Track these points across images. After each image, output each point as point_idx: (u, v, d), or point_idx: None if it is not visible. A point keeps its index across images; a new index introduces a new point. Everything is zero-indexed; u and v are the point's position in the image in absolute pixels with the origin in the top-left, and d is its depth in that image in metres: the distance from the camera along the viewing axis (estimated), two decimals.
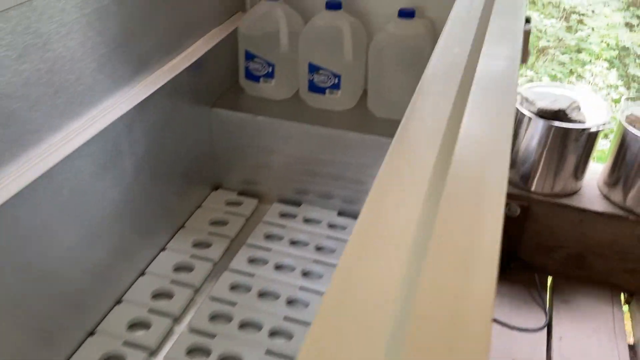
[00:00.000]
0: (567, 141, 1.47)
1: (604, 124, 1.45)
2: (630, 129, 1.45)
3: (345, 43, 1.29)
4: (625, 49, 3.70)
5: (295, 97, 1.42)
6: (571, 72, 3.53)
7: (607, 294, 1.54)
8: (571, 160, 1.49)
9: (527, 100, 1.52)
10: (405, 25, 1.25)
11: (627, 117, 1.50)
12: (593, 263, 1.57)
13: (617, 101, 3.18)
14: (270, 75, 1.38)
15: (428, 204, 0.37)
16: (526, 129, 1.50)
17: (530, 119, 1.47)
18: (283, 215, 1.38)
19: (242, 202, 1.43)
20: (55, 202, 0.94)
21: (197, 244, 1.29)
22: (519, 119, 1.52)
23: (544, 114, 1.47)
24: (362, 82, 1.40)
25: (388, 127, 1.22)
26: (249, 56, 1.37)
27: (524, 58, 0.68)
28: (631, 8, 3.96)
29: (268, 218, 1.36)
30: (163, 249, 1.27)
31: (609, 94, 3.21)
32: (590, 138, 1.47)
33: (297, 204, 1.42)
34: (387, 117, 1.33)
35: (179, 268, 1.22)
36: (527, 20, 0.66)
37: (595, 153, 1.53)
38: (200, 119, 1.37)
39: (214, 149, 1.43)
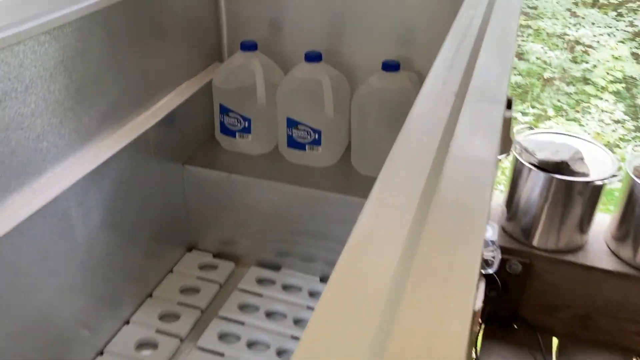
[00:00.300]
0: (571, 194, 1.36)
1: (609, 177, 1.34)
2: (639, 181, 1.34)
3: (326, 97, 1.19)
4: (632, 78, 3.60)
5: (275, 152, 1.33)
6: (577, 103, 3.43)
7: (617, 358, 1.41)
8: (575, 214, 1.38)
9: (526, 150, 1.42)
10: (390, 78, 1.16)
11: (635, 169, 1.39)
12: (602, 324, 1.44)
13: (623, 138, 3.07)
14: (246, 130, 1.29)
15: (403, 261, 0.37)
16: (526, 181, 1.39)
17: (530, 170, 1.36)
18: (260, 281, 1.27)
19: (217, 266, 1.33)
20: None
21: (165, 316, 1.18)
22: (518, 169, 1.42)
23: (545, 166, 1.36)
24: (346, 136, 1.30)
25: (371, 186, 1.12)
26: (224, 110, 1.28)
27: (505, 148, 0.58)
28: (637, 38, 3.87)
29: (244, 285, 1.26)
30: (127, 322, 1.16)
31: (615, 130, 3.10)
32: (595, 191, 1.36)
33: (277, 267, 1.31)
34: (372, 174, 1.22)
35: (142, 345, 1.12)
36: (509, 105, 0.56)
37: (600, 205, 1.42)
38: (171, 177, 1.28)
39: (188, 208, 1.34)
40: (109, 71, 1.07)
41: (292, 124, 1.23)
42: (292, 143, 1.26)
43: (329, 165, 1.28)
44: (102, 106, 1.07)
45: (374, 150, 1.21)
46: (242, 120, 1.27)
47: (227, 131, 1.31)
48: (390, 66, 1.15)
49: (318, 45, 1.27)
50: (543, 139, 1.47)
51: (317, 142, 1.24)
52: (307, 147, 1.25)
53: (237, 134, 1.30)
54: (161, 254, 1.29)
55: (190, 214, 1.35)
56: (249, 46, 1.25)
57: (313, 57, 1.21)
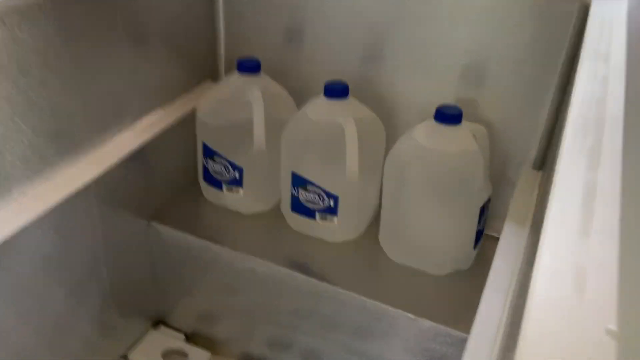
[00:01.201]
0: None
1: None
2: None
3: (349, 150, 0.83)
4: None
5: (275, 212, 0.97)
6: None
7: None
8: None
9: None
10: (446, 134, 0.79)
11: None
12: None
13: None
14: (236, 183, 0.93)
15: None
16: None
17: None
18: None
19: (188, 356, 0.98)
20: None
21: None
22: None
23: None
24: (374, 204, 0.94)
25: (406, 285, 0.77)
26: (209, 152, 0.93)
27: None
28: None
29: None
30: None
31: None
32: None
33: None
34: (406, 263, 0.86)
35: None
36: None
37: None
38: (133, 235, 0.93)
39: (155, 274, 1.00)
40: (51, 85, 0.74)
41: (299, 182, 0.87)
42: (298, 207, 0.90)
43: (347, 241, 0.92)
44: (35, 137, 0.73)
45: (412, 231, 0.84)
46: (231, 169, 0.92)
47: (211, 180, 0.96)
48: (448, 116, 0.78)
49: (346, 73, 0.90)
50: None
51: (332, 211, 0.88)
52: (317, 215, 0.89)
53: (224, 186, 0.95)
54: (118, 328, 0.95)
55: (158, 281, 1.01)
56: (249, 67, 0.90)
57: (336, 90, 0.84)
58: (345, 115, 0.84)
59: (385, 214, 0.87)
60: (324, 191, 0.86)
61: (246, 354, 1.00)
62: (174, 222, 0.95)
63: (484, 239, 0.91)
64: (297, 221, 0.92)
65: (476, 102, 0.86)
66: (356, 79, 0.92)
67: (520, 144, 0.86)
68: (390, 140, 0.89)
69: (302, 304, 0.88)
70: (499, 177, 0.89)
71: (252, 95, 0.88)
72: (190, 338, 1.05)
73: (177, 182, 1.01)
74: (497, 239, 0.95)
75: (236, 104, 0.90)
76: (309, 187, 0.87)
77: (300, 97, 0.96)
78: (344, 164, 0.84)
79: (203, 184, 0.98)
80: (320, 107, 0.85)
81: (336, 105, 0.84)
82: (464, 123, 0.80)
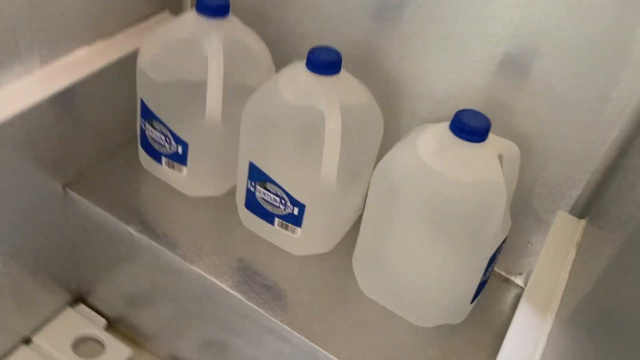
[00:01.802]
0: None
1: None
2: None
3: (328, 150, 0.60)
4: None
5: (228, 200, 0.75)
6: None
7: None
8: None
9: None
10: (462, 153, 0.55)
11: None
12: None
13: None
14: (179, 159, 0.71)
15: None
16: None
17: None
18: None
19: (105, 347, 0.80)
20: None
21: None
22: None
23: None
24: (355, 216, 0.72)
25: (376, 333, 0.64)
26: (147, 114, 0.70)
27: None
28: None
29: None
30: None
31: None
32: None
33: None
34: (380, 302, 0.65)
35: None
36: None
37: None
38: (48, 196, 0.73)
39: (73, 244, 0.80)
40: None
41: (257, 176, 0.65)
42: (254, 206, 0.68)
43: (311, 255, 0.71)
44: None
45: (396, 268, 0.63)
46: (173, 142, 0.69)
47: (149, 149, 0.73)
48: (470, 131, 0.54)
49: (345, 33, 0.66)
50: None
51: (294, 221, 0.66)
52: (276, 220, 0.67)
53: (163, 160, 0.72)
54: (24, 302, 0.77)
55: (77, 253, 0.81)
56: (212, 7, 0.65)
57: (323, 64, 0.60)
58: (330, 99, 0.60)
59: (365, 235, 0.66)
60: (288, 195, 0.64)
61: (174, 356, 0.82)
62: (96, 192, 0.73)
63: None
64: (252, 221, 0.70)
65: (512, 107, 0.62)
66: (356, 44, 0.67)
67: (562, 174, 0.63)
68: (390, 138, 0.66)
69: (242, 325, 0.68)
70: (522, 207, 0.66)
71: (210, 48, 0.64)
72: (112, 325, 0.87)
73: (110, 140, 0.78)
74: (505, 279, 0.75)
75: (189, 56, 0.66)
76: (270, 186, 0.65)
77: (283, 56, 0.72)
78: (318, 164, 0.61)
79: (141, 149, 0.75)
80: (298, 82, 0.61)
81: (321, 82, 0.61)
82: (491, 136, 0.56)
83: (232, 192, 0.75)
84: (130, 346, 0.84)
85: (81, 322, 0.85)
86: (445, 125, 0.57)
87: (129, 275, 0.78)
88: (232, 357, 0.74)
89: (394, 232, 0.61)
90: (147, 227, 0.71)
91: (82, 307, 0.87)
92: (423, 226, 0.58)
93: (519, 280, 0.72)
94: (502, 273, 0.73)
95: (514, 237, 0.68)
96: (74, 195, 0.73)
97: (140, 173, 0.77)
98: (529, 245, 0.69)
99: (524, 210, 0.66)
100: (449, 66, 0.63)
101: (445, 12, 0.62)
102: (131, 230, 0.70)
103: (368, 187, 0.64)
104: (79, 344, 0.83)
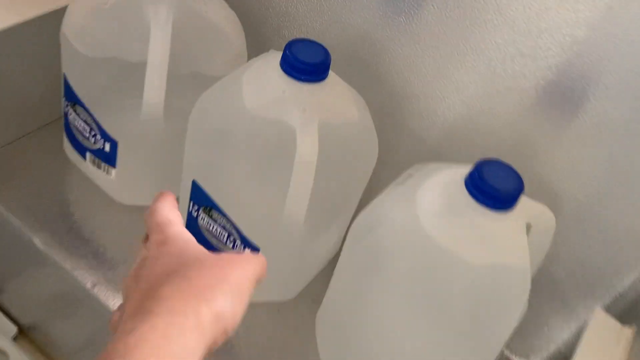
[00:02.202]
0: None
1: None
2: None
3: (297, 183, 0.44)
4: None
5: None
6: None
7: None
8: None
9: None
10: (479, 223, 0.39)
11: None
12: None
13: None
14: (106, 159, 0.54)
15: None
16: None
17: None
18: None
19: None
20: None
21: None
22: None
23: None
24: (325, 260, 0.56)
25: None
26: (70, 95, 0.53)
27: None
28: None
29: None
30: None
31: None
32: None
33: None
34: None
35: None
36: None
37: None
38: None
39: None
40: None
41: (201, 200, 0.49)
42: (196, 235, 0.52)
43: (268, 302, 0.55)
44: None
45: (372, 346, 0.47)
46: (99, 136, 0.53)
47: (73, 139, 0.56)
48: (492, 195, 0.38)
49: (344, 29, 0.48)
50: None
51: None
52: None
53: (87, 156, 0.56)
54: None
55: None
56: None
57: (302, 66, 0.43)
58: (307, 116, 0.43)
59: (334, 296, 0.50)
60: (238, 232, 0.48)
61: None
62: (2, 182, 0.57)
63: None
64: None
65: (552, 155, 0.46)
66: (357, 37, 0.50)
67: (608, 256, 0.46)
68: (383, 168, 0.50)
69: None
70: (545, 284, 0.51)
71: (155, 18, 0.47)
72: (24, 333, 0.72)
73: (30, 117, 0.61)
74: (506, 357, 0.59)
75: (128, 27, 0.48)
76: (215, 215, 0.49)
77: (263, 41, 0.55)
78: (282, 197, 0.45)
79: (66, 141, 0.59)
80: (268, 85, 0.44)
81: (298, 91, 0.43)
82: (524, 202, 0.40)
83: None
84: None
85: None
86: (459, 177, 0.40)
87: (40, 282, 0.63)
88: None
89: (373, 305, 0.45)
90: (58, 240, 0.55)
91: None
92: (413, 307, 0.42)
93: None
94: (510, 356, 0.57)
95: (528, 313, 0.52)
96: None
97: (65, 164, 0.61)
98: (545, 328, 0.54)
99: (546, 288, 0.50)
100: (474, 88, 0.46)
101: (482, 13, 0.44)
102: (37, 241, 0.54)
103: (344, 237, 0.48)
104: None
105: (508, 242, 0.40)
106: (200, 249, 0.32)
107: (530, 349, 0.56)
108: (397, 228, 0.41)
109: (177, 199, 0.50)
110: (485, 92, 0.46)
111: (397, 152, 0.52)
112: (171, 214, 0.34)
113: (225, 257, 0.31)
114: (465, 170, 0.41)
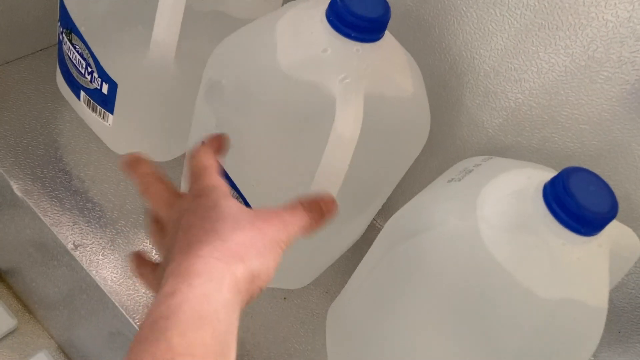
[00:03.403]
0: None
1: None
2: None
3: (330, 158, 0.36)
4: None
5: (174, 166, 0.51)
6: None
7: None
8: None
9: None
10: (555, 245, 0.31)
11: None
12: None
13: None
14: (103, 102, 0.46)
15: None
16: None
17: None
18: None
19: None
20: None
21: None
22: None
23: None
24: (345, 248, 0.48)
25: None
26: (67, 22, 0.44)
27: None
28: None
29: None
30: None
31: None
32: None
33: None
34: None
35: None
36: None
37: None
38: None
39: None
40: None
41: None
42: None
43: (274, 289, 0.48)
44: None
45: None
46: (96, 74, 0.44)
47: (66, 73, 0.48)
48: (586, 218, 0.30)
49: None
50: None
51: None
52: None
53: (82, 95, 0.47)
54: None
55: None
56: None
57: (354, 19, 0.34)
58: (352, 84, 0.34)
59: (352, 293, 0.42)
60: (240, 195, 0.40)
61: (69, 341, 0.61)
62: None
63: None
64: None
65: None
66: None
67: None
68: (431, 159, 0.41)
69: None
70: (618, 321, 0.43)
71: None
72: (2, 277, 0.65)
73: (25, 40, 0.52)
74: None
75: None
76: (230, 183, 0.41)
77: None
78: (309, 175, 0.37)
79: (60, 78, 0.50)
80: (308, 40, 0.36)
81: (345, 51, 0.35)
82: (614, 227, 0.32)
83: (179, 161, 0.51)
84: (18, 310, 0.63)
85: None
86: (535, 183, 0.32)
87: (19, 230, 0.56)
88: None
89: (399, 317, 0.37)
90: (40, 188, 0.47)
91: None
92: (449, 330, 0.35)
93: None
94: None
95: None
96: None
97: (57, 100, 0.52)
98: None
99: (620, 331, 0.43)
100: (561, 72, 0.37)
101: None
102: (14, 186, 0.47)
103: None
104: None
105: (587, 273, 0.32)
106: (236, 204, 0.31)
107: None
108: (448, 238, 0.33)
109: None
110: (575, 80, 0.36)
111: (449, 138, 0.44)
112: (209, 161, 0.33)
113: (262, 214, 0.31)
114: (542, 174, 0.33)
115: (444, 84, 0.42)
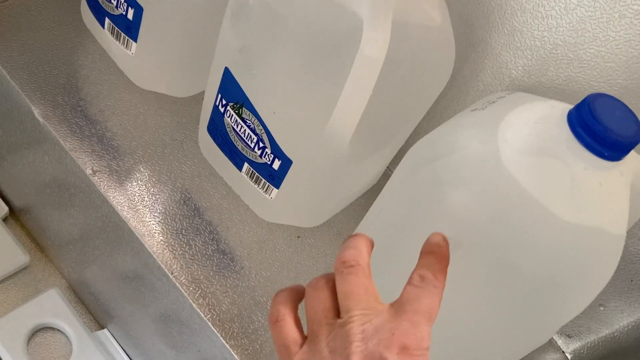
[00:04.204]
0: None
1: None
2: None
3: (352, 86, 0.35)
4: None
5: (195, 103, 0.51)
6: None
7: None
8: None
9: None
10: (577, 169, 0.31)
11: None
12: None
13: None
14: (127, 29, 0.46)
15: None
16: None
17: None
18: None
19: None
20: None
21: None
22: None
23: None
24: (362, 189, 0.48)
25: None
26: None
27: None
28: None
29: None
30: None
31: None
32: None
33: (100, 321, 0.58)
34: None
35: None
36: None
37: None
38: None
39: None
40: None
41: (231, 94, 0.40)
42: (218, 133, 0.44)
43: (286, 225, 0.48)
44: None
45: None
46: (122, 0, 0.44)
47: (93, 3, 0.48)
48: (611, 141, 0.30)
49: None
50: None
51: (272, 178, 0.43)
52: (245, 167, 0.44)
53: (106, 22, 0.48)
54: None
55: None
56: None
57: None
58: (379, 5, 0.35)
59: (368, 228, 0.42)
60: (270, 138, 0.40)
61: (80, 281, 0.62)
62: (5, 41, 0.49)
63: None
64: (213, 153, 0.47)
65: None
66: None
67: None
68: (452, 99, 0.41)
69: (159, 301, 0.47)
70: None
71: None
72: (15, 215, 0.65)
73: None
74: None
75: None
76: (245, 114, 0.41)
77: None
78: (330, 103, 0.37)
79: (85, 6, 0.50)
80: None
81: None
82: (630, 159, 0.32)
83: (200, 97, 0.51)
84: (31, 248, 0.64)
85: None
86: (559, 110, 0.32)
87: (36, 161, 0.56)
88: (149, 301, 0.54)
89: (419, 246, 0.37)
90: (60, 115, 0.47)
91: None
92: (472, 255, 0.35)
93: (561, 342, 0.50)
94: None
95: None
96: None
97: (81, 31, 0.52)
98: (601, 308, 0.46)
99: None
100: (590, 8, 0.37)
101: None
102: (36, 111, 0.47)
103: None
104: None
105: (608, 199, 0.32)
106: None
107: (575, 328, 0.49)
108: (469, 161, 0.33)
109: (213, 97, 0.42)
110: (605, 15, 0.36)
111: (472, 78, 0.44)
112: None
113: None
114: (566, 105, 0.33)
115: (470, 23, 0.42)
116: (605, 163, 0.31)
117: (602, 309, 0.46)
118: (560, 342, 0.50)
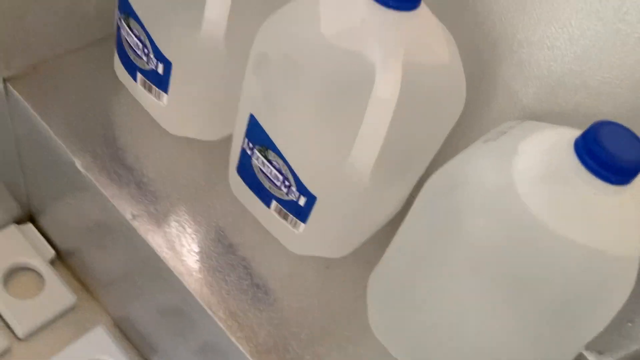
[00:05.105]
0: None
1: None
2: None
3: (369, 126, 0.38)
4: None
5: (225, 145, 0.54)
6: None
7: None
8: None
9: None
10: (586, 195, 0.32)
11: None
12: None
13: None
14: (158, 82, 0.49)
15: None
16: None
17: None
18: None
19: (44, 286, 0.64)
20: None
21: None
22: None
23: None
24: (386, 218, 0.51)
25: None
26: (125, 6, 0.48)
27: None
28: None
29: None
30: None
31: None
32: None
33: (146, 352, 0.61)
34: (394, 354, 0.45)
35: None
36: None
37: None
38: None
39: (20, 149, 0.61)
40: None
41: (257, 138, 0.43)
42: (247, 175, 0.47)
43: (316, 258, 0.50)
44: None
45: (434, 322, 0.42)
46: (152, 56, 0.47)
47: (124, 57, 0.51)
48: (617, 167, 0.31)
49: None
50: None
51: (298, 213, 0.45)
52: (273, 204, 0.47)
53: (138, 77, 0.51)
54: None
55: (25, 163, 0.62)
56: None
57: None
58: (391, 50, 0.37)
59: (394, 258, 0.44)
60: (295, 177, 0.43)
61: (125, 318, 0.65)
62: (46, 97, 0.53)
63: None
64: (242, 192, 0.49)
65: None
66: None
67: None
68: (466, 129, 0.43)
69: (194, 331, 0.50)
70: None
71: None
72: (61, 258, 0.69)
73: (84, 29, 0.57)
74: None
75: None
76: (272, 156, 0.43)
77: None
78: (350, 141, 0.39)
79: (117, 61, 0.54)
80: (351, 11, 0.38)
81: (384, 19, 0.37)
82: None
83: (229, 140, 0.54)
84: (77, 289, 0.67)
85: (23, 246, 0.67)
86: (567, 139, 0.34)
87: (79, 208, 0.60)
88: (189, 336, 0.56)
89: (441, 274, 0.39)
90: (100, 165, 0.51)
91: (30, 227, 0.69)
92: (491, 282, 0.37)
93: (592, 358, 0.51)
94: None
95: None
96: (15, 94, 0.53)
97: (114, 85, 0.56)
98: (629, 325, 0.47)
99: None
100: (593, 37, 0.39)
101: None
102: (77, 163, 0.50)
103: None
104: (11, 274, 0.66)
105: (619, 223, 0.33)
106: None
107: (606, 345, 0.50)
108: (485, 190, 0.35)
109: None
110: (607, 44, 0.38)
111: (485, 108, 0.45)
112: None
113: None
114: (574, 132, 0.34)
115: (477, 55, 0.44)
116: (614, 187, 0.32)
117: (630, 325, 0.47)
118: (591, 358, 0.51)
